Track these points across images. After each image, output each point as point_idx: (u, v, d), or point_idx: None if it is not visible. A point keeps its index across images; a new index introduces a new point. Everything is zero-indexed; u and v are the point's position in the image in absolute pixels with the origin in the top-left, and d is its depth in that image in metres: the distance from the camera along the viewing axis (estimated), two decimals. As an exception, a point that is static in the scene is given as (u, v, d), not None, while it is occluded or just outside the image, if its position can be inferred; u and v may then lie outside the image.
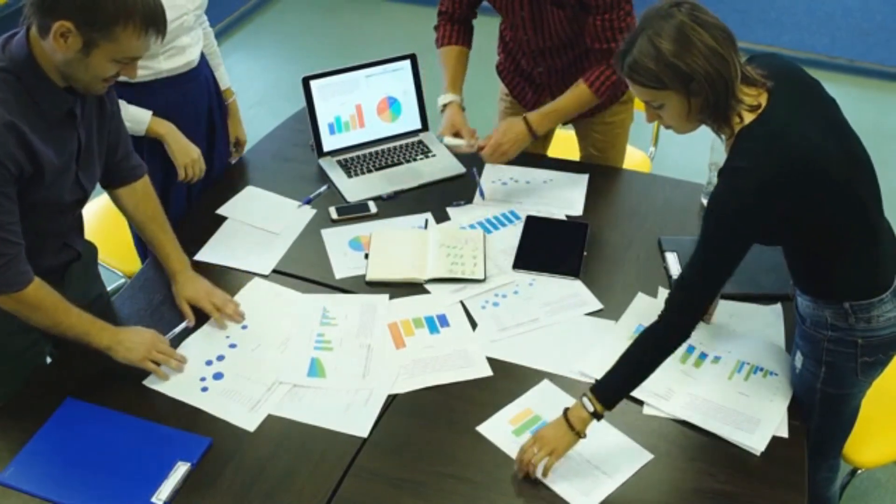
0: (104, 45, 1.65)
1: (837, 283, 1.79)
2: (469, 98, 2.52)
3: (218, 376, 1.97)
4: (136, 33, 1.66)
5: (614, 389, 1.74)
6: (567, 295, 2.17)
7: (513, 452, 1.78)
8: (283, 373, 1.97)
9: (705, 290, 1.74)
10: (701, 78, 1.62)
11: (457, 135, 2.44)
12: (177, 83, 2.35)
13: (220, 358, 2.01)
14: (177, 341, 2.04)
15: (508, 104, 2.76)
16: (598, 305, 2.14)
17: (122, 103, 2.20)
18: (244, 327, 2.09)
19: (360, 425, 1.85)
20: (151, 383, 1.94)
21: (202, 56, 2.47)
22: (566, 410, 1.75)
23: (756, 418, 1.84)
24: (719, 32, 1.62)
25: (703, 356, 1.98)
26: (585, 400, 1.73)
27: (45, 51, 1.68)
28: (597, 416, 1.72)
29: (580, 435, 1.73)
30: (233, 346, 2.05)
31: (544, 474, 1.72)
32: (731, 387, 1.91)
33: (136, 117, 2.29)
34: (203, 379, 1.96)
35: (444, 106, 2.47)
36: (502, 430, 1.84)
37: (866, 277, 1.78)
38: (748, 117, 1.68)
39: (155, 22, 1.68)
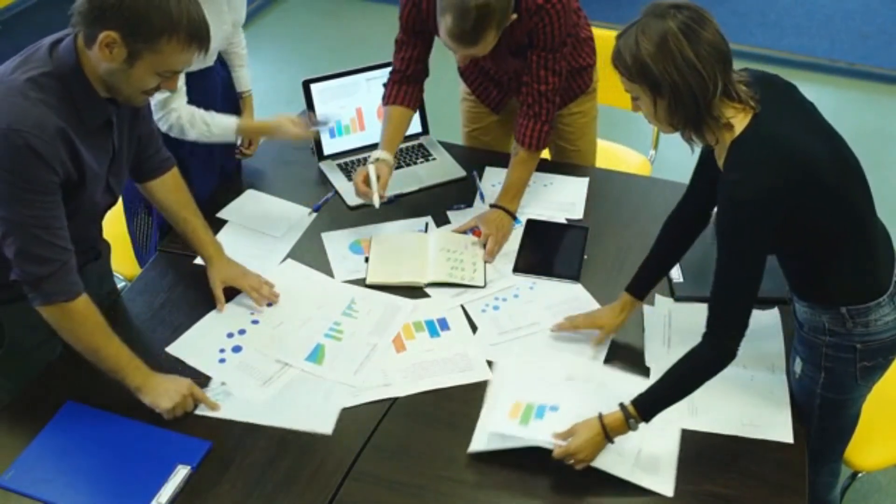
0: (148, 58, 1.67)
1: (833, 288, 1.78)
2: (430, 99, 2.54)
3: (237, 349, 2.02)
4: (181, 47, 1.67)
5: (655, 404, 1.75)
6: (568, 298, 2.18)
7: (534, 437, 1.77)
8: (287, 352, 2.02)
9: (739, 303, 1.71)
10: (668, 86, 1.62)
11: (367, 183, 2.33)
12: (197, 78, 2.35)
13: (242, 332, 2.07)
14: (197, 316, 2.11)
15: (472, 103, 2.76)
16: (597, 306, 2.13)
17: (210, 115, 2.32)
18: (269, 304, 2.15)
19: (323, 422, 1.87)
20: (172, 350, 2.00)
21: (219, 56, 2.50)
22: (601, 417, 1.75)
23: (654, 455, 1.79)
24: (707, 49, 1.61)
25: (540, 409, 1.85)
26: (626, 410, 1.73)
27: (90, 60, 1.70)
28: (633, 427, 1.74)
29: (612, 441, 1.75)
30: (255, 321, 2.10)
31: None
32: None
33: (224, 127, 2.35)
34: (222, 350, 2.02)
35: (376, 160, 2.35)
36: (507, 423, 1.80)
37: (862, 281, 1.78)
38: (736, 130, 1.67)
39: (199, 36, 1.70)
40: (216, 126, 2.31)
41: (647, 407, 1.74)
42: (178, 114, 2.23)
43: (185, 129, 2.26)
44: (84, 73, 1.72)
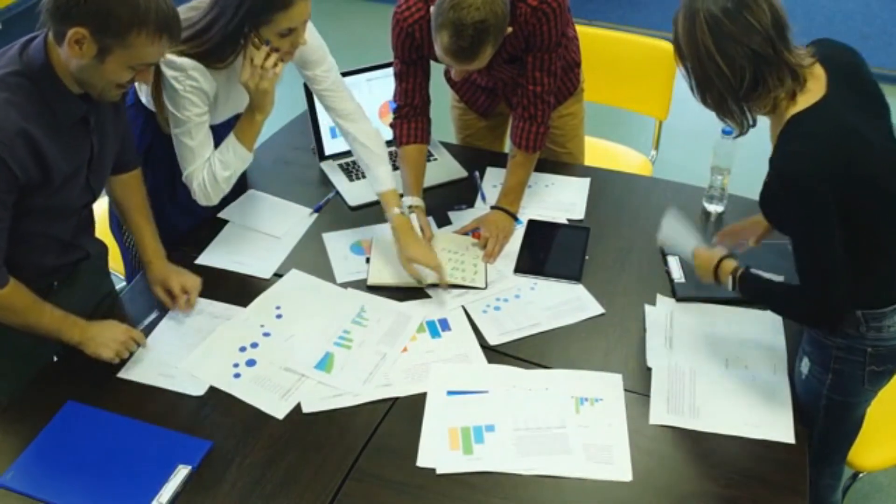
0: (119, 52, 1.66)
1: (854, 289, 1.74)
2: (432, 99, 2.53)
3: (251, 363, 2.00)
4: (151, 39, 1.66)
5: (752, 287, 1.86)
6: (569, 299, 2.18)
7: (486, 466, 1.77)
8: (296, 361, 2.01)
9: (832, 279, 1.68)
10: (693, 74, 1.65)
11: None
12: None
13: (254, 345, 2.05)
14: (199, 316, 2.11)
15: (462, 110, 2.77)
16: (599, 310, 2.14)
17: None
18: (279, 317, 2.13)
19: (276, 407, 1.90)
20: (185, 367, 1.98)
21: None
22: (722, 258, 1.90)
23: (607, 445, 1.80)
24: (733, 46, 1.60)
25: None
26: (735, 269, 1.87)
27: (60, 57, 1.69)
28: (726, 283, 1.88)
29: (719, 281, 1.91)
30: (266, 334, 2.08)
31: None
32: (575, 420, 1.85)
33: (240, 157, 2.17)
34: (236, 365, 2.00)
35: (409, 207, 2.32)
36: (454, 460, 1.79)
37: (882, 286, 1.76)
38: (799, 105, 1.65)
39: (168, 28, 1.69)
40: (232, 163, 2.16)
41: (746, 281, 1.85)
42: (198, 180, 2.15)
43: (209, 192, 2.17)
44: (54, 71, 1.70)
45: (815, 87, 1.67)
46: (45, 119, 1.71)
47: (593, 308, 2.14)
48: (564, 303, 2.16)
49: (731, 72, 1.61)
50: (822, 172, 1.61)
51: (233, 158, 2.15)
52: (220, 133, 2.20)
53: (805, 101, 1.66)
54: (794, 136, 1.65)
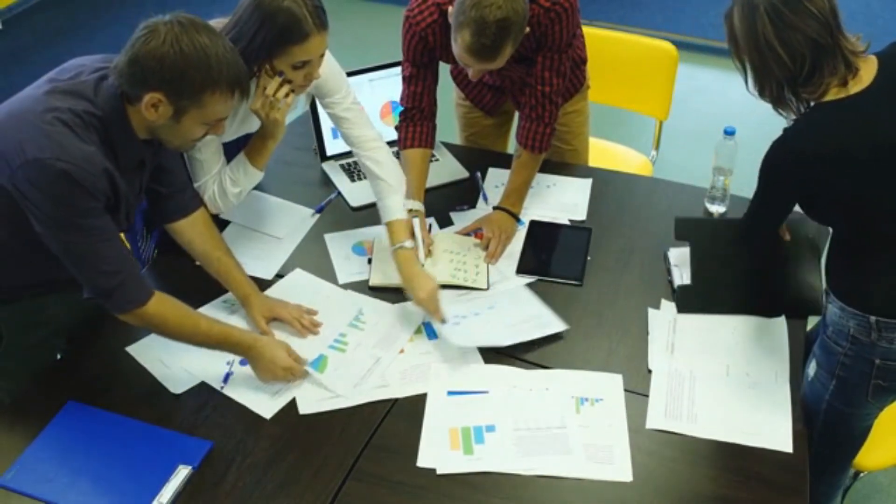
0: (194, 112, 1.71)
1: (871, 292, 1.75)
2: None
3: (244, 362, 2.00)
4: (224, 97, 1.71)
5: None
6: (530, 316, 2.11)
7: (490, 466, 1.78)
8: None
9: (755, 233, 1.96)
10: (751, 65, 1.67)
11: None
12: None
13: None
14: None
15: (467, 108, 2.76)
16: (562, 327, 2.06)
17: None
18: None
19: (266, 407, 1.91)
20: (180, 364, 1.98)
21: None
22: None
23: (607, 445, 1.80)
24: (792, 34, 1.60)
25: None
26: None
27: (136, 109, 1.72)
28: None
29: None
30: (262, 334, 2.07)
31: None
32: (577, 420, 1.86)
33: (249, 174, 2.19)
34: (229, 363, 2.00)
35: (410, 211, 2.27)
36: (454, 460, 1.79)
37: None
38: (839, 94, 1.66)
39: (240, 84, 1.73)
40: (242, 181, 2.18)
41: None
42: (209, 192, 2.15)
43: (219, 204, 2.18)
44: (127, 118, 1.74)
45: (866, 78, 1.67)
46: (111, 160, 1.74)
47: (556, 326, 2.06)
48: (527, 319, 2.09)
49: (791, 60, 1.62)
50: (797, 163, 1.64)
51: (243, 177, 2.18)
52: (228, 150, 2.21)
53: (854, 88, 1.66)
54: (798, 121, 1.68)
